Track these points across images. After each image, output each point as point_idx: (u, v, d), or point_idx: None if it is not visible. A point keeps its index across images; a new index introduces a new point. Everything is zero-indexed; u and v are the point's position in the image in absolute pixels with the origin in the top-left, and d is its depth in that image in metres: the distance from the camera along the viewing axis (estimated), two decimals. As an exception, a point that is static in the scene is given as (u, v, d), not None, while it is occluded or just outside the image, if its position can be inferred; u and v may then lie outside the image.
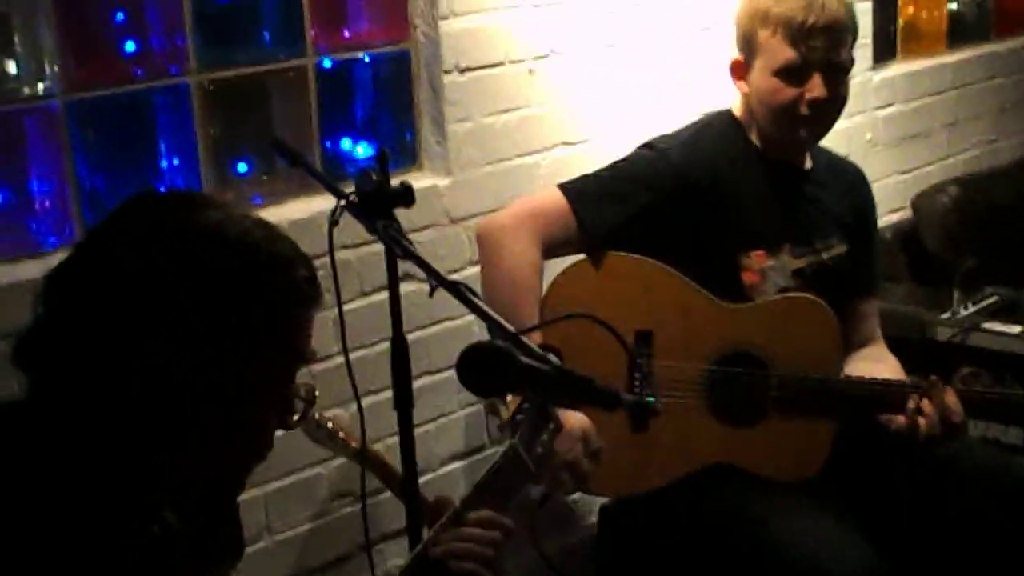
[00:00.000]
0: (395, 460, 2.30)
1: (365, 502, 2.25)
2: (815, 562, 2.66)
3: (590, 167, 3.64)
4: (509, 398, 2.36)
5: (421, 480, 2.69)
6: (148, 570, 1.50)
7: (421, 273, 2.02)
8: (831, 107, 2.94)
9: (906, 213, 4.89)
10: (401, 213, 2.06)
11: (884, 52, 4.92)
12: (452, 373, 1.76)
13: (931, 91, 5.09)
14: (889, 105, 4.90)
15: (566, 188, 2.93)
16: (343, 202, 2.03)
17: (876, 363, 3.03)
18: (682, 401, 2.81)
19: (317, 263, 1.62)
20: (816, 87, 2.87)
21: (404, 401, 2.09)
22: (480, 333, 3.41)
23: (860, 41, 4.63)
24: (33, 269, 2.82)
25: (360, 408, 2.10)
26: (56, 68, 2.97)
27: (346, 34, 3.57)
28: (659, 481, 2.84)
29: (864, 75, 4.75)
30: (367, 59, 3.58)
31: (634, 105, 3.90)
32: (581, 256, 2.90)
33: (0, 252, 2.94)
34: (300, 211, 3.25)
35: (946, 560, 2.94)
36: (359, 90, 3.64)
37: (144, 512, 1.52)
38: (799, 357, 2.84)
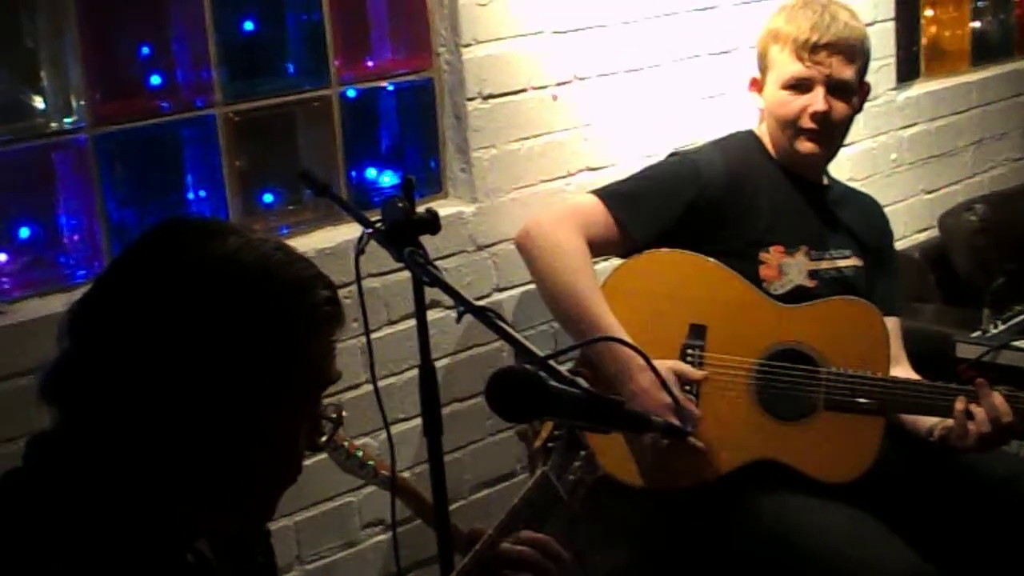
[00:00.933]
0: (425, 488, 2.30)
1: (396, 530, 2.24)
2: (865, 565, 2.66)
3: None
4: (540, 425, 2.35)
5: (451, 508, 2.68)
6: (182, 600, 1.51)
7: (448, 300, 2.02)
8: (832, 122, 3.08)
9: (933, 233, 4.87)
10: (427, 240, 2.06)
11: (908, 71, 4.91)
12: (481, 400, 1.76)
13: (956, 110, 5.07)
14: (914, 124, 4.89)
15: (602, 193, 3.09)
16: (369, 230, 2.03)
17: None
18: (732, 395, 2.86)
19: (344, 292, 1.62)
20: (817, 100, 3.03)
21: (433, 428, 2.09)
22: (509, 359, 3.41)
23: (883, 61, 4.70)
24: (62, 303, 2.83)
25: (389, 436, 2.10)
26: (83, 102, 3.00)
27: (370, 64, 3.58)
28: (709, 475, 2.86)
29: (888, 95, 4.74)
30: (391, 88, 3.60)
31: (657, 129, 3.90)
32: (642, 253, 3.03)
33: (30, 286, 2.95)
34: (327, 240, 3.26)
35: (987, 570, 2.93)
36: (384, 119, 3.66)
37: (177, 541, 1.52)
38: (849, 357, 2.90)
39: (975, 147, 5.18)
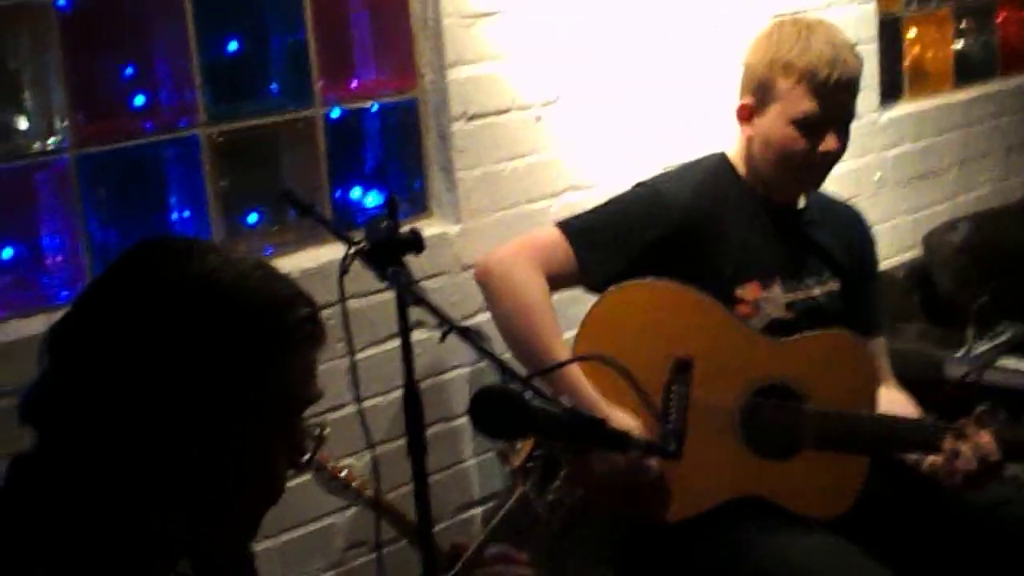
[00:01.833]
0: (410, 508, 2.29)
1: (380, 551, 2.23)
2: None
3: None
4: (519, 445, 2.35)
5: (436, 528, 2.67)
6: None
7: (433, 320, 2.02)
8: (838, 159, 2.99)
9: (917, 252, 4.88)
10: (412, 261, 2.06)
11: (891, 92, 4.93)
12: (466, 420, 1.76)
13: (939, 130, 5.09)
14: (897, 145, 4.90)
15: (565, 226, 2.97)
16: (353, 250, 2.03)
17: (891, 404, 3.02)
18: (716, 431, 2.81)
19: (328, 312, 1.61)
20: (831, 141, 2.92)
21: (418, 449, 2.08)
22: (493, 379, 3.40)
23: (867, 82, 4.69)
24: (44, 323, 2.82)
25: (374, 457, 2.09)
26: (66, 123, 2.99)
27: (354, 84, 3.58)
28: (690, 510, 2.82)
29: (871, 115, 4.76)
30: (375, 108, 3.60)
31: (641, 149, 3.91)
32: (625, 283, 2.90)
33: (13, 307, 2.94)
34: (311, 260, 3.26)
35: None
36: (368, 140, 3.66)
37: (159, 563, 1.51)
38: (836, 393, 2.85)
39: (958, 167, 5.19)
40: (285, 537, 3.26)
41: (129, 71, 3.19)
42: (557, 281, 2.92)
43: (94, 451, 1.46)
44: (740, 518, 2.84)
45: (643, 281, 2.88)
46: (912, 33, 5.13)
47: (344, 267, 2.03)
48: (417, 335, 2.23)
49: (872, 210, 4.76)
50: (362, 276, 2.14)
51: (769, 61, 2.92)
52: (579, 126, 3.80)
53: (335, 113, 3.49)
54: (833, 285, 3.05)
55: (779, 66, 2.89)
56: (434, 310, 1.98)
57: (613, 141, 3.89)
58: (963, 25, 5.42)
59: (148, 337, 1.45)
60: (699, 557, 2.87)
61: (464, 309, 3.51)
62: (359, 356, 3.23)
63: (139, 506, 1.47)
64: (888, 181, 4.87)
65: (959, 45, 5.38)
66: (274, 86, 3.46)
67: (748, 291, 2.92)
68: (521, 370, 1.90)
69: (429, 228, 3.47)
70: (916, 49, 5.19)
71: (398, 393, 2.09)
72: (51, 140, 3.00)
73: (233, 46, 3.35)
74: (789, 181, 2.99)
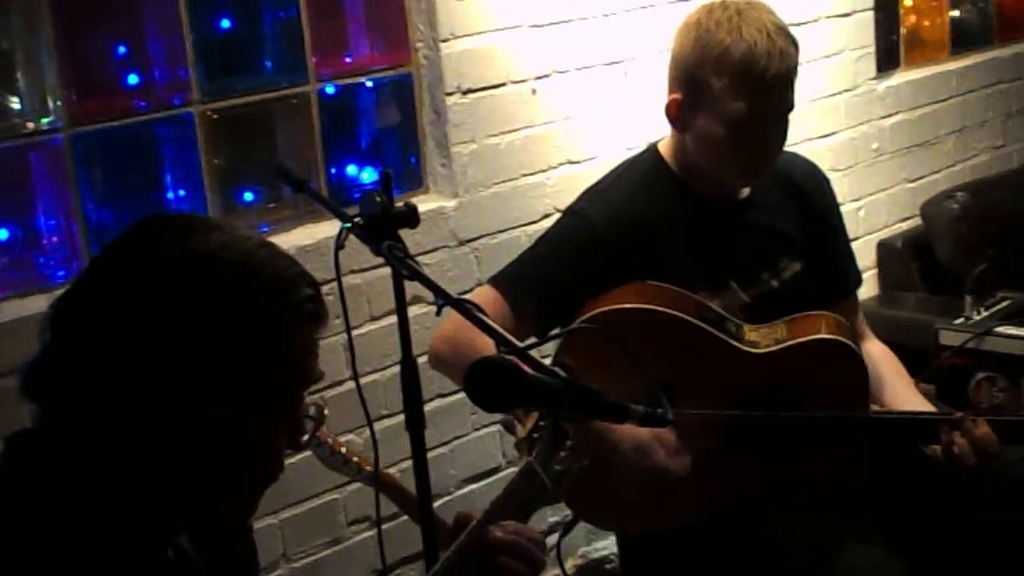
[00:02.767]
0: (410, 483, 2.29)
1: (381, 527, 2.24)
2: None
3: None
4: (525, 415, 2.33)
5: (436, 503, 2.67)
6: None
7: (430, 295, 2.01)
8: (778, 152, 2.78)
9: (915, 222, 4.88)
10: (409, 236, 2.05)
11: (887, 61, 4.91)
12: (464, 395, 1.75)
13: (936, 99, 5.08)
14: (894, 114, 4.89)
15: (495, 281, 2.75)
16: (348, 225, 2.02)
17: (878, 366, 2.96)
18: (707, 447, 2.75)
19: (325, 289, 1.61)
20: (772, 139, 2.71)
21: (416, 424, 2.08)
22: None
23: (863, 50, 4.71)
24: (42, 303, 2.79)
25: (372, 432, 2.09)
26: (59, 102, 2.99)
27: (348, 60, 3.57)
28: (684, 520, 2.78)
29: (868, 84, 4.75)
30: (369, 84, 3.59)
31: (638, 121, 3.90)
32: (592, 312, 2.69)
33: (9, 287, 2.94)
34: (307, 237, 3.25)
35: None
36: (362, 115, 3.65)
37: (158, 538, 1.52)
38: (826, 397, 2.76)
39: (956, 136, 5.18)
40: (286, 513, 3.27)
41: (122, 49, 3.18)
42: (512, 335, 2.72)
43: (95, 426, 1.46)
44: (742, 511, 2.80)
45: (611, 303, 2.68)
46: (908, 1, 5.11)
47: (340, 243, 2.02)
48: (415, 310, 2.24)
49: (870, 179, 4.77)
50: (359, 252, 2.14)
51: (700, 56, 2.65)
52: (575, 99, 3.79)
53: (329, 89, 3.48)
54: (795, 267, 2.87)
55: (710, 62, 2.62)
56: (429, 283, 1.97)
57: (609, 114, 3.88)
58: (959, -7, 5.40)
59: (151, 313, 1.45)
60: (703, 548, 2.85)
61: (461, 284, 3.51)
62: (357, 332, 3.23)
63: (137, 481, 1.47)
64: (886, 150, 4.86)
65: (955, 13, 5.36)
66: (268, 62, 3.45)
67: (703, 299, 2.75)
68: (517, 341, 1.89)
69: (425, 203, 3.46)
70: (912, 18, 5.17)
71: (396, 369, 2.09)
72: (45, 119, 2.99)
73: (226, 23, 3.34)
74: (729, 178, 2.79)
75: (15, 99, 2.98)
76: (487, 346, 2.44)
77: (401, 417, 2.10)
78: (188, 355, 1.45)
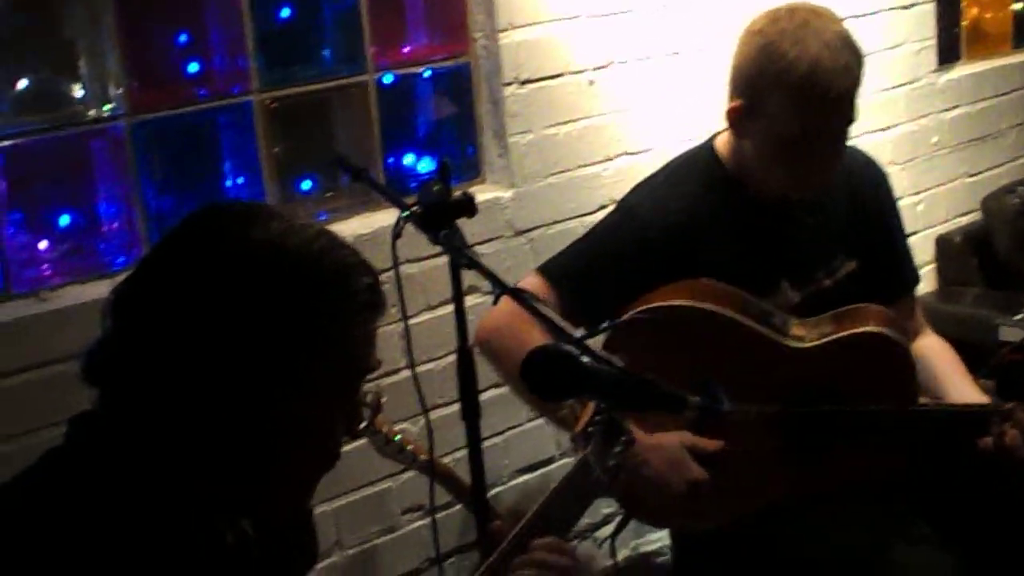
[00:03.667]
0: (464, 473, 2.30)
1: (435, 515, 2.24)
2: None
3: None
4: (579, 409, 2.33)
5: (490, 493, 2.68)
6: (223, 579, 1.51)
7: (486, 285, 2.02)
8: (839, 166, 2.71)
9: (975, 216, 4.83)
10: (466, 226, 2.06)
11: (948, 54, 4.87)
12: (520, 385, 1.75)
13: (997, 92, 5.03)
14: (955, 107, 4.85)
15: (544, 270, 2.73)
16: (406, 213, 2.03)
17: (934, 360, 2.93)
18: (753, 446, 2.72)
19: (382, 278, 1.61)
20: (829, 158, 2.64)
21: (471, 413, 2.09)
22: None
23: (924, 43, 4.67)
24: (102, 290, 2.85)
25: (428, 421, 2.10)
26: (120, 91, 3.01)
27: (406, 50, 3.58)
28: (727, 519, 2.77)
29: (929, 78, 4.71)
30: (427, 74, 3.59)
31: (695, 113, 3.88)
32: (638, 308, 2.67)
33: (69, 274, 2.97)
34: (364, 226, 3.26)
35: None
36: (420, 105, 3.65)
37: (218, 521, 1.53)
38: (871, 392, 2.73)
39: (1017, 129, 5.13)
40: (340, 501, 3.28)
41: (183, 38, 3.20)
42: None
43: (155, 410, 1.47)
44: (792, 508, 2.78)
45: (652, 307, 2.65)
46: (970, -6, 5.07)
47: (397, 231, 2.03)
48: (471, 300, 2.24)
49: (930, 173, 4.72)
50: (416, 242, 2.14)
51: (762, 67, 2.56)
52: (633, 90, 3.78)
53: (387, 79, 3.49)
54: (850, 266, 2.81)
55: (772, 75, 2.54)
56: (486, 272, 1.97)
57: (667, 104, 3.87)
58: (1022, -14, 5.34)
59: (211, 300, 1.46)
60: (756, 553, 2.83)
61: (517, 274, 3.49)
62: (413, 321, 3.24)
63: (196, 466, 1.49)
64: (946, 144, 4.81)
65: (1018, 6, 5.30)
66: (326, 52, 3.46)
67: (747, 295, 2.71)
68: (574, 331, 1.88)
69: (482, 193, 3.47)
70: (974, 11, 5.12)
71: (452, 358, 2.09)
72: (106, 108, 3.02)
73: (286, 12, 3.35)
74: (786, 189, 2.72)
75: (77, 87, 3.01)
76: (534, 338, 2.45)
77: (456, 406, 2.11)
78: (247, 342, 1.46)
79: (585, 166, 3.71)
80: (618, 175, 3.73)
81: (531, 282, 2.69)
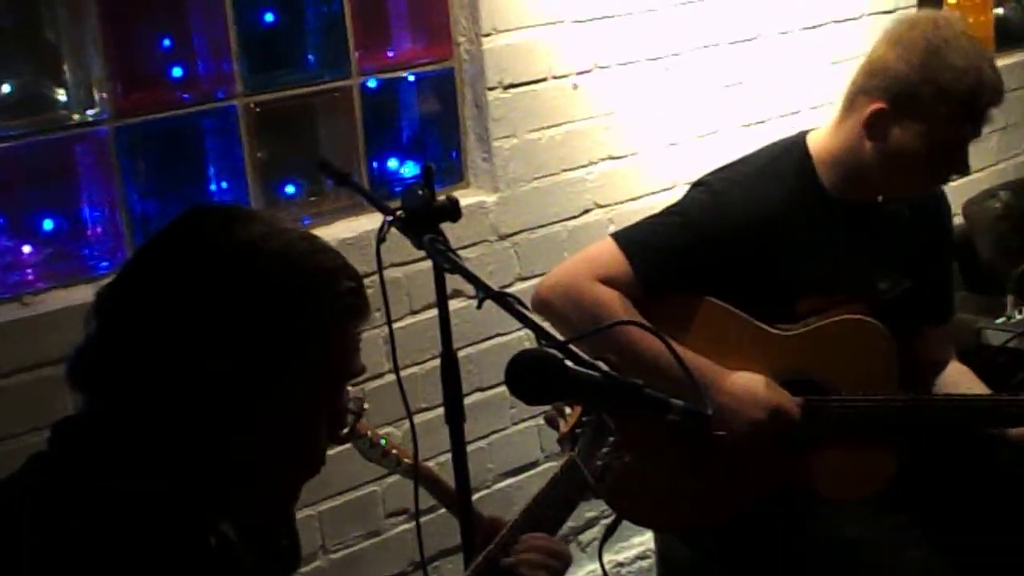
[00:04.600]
0: (449, 477, 2.30)
1: (419, 519, 2.24)
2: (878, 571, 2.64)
3: (636, 180, 3.64)
4: (568, 410, 2.33)
5: (475, 496, 2.67)
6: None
7: (470, 289, 2.01)
8: None
9: (957, 220, 4.84)
10: (449, 230, 2.06)
11: (930, 58, 4.88)
12: (504, 389, 1.76)
13: (979, 96, 5.04)
14: (937, 111, 4.85)
15: (619, 237, 2.77)
16: (390, 217, 2.03)
17: (957, 378, 2.95)
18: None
19: (366, 282, 1.62)
20: (966, 159, 2.73)
21: (455, 417, 2.09)
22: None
23: (906, 48, 4.66)
24: (86, 294, 2.84)
25: (412, 425, 2.10)
26: (104, 95, 3.01)
27: (390, 54, 3.58)
28: (722, 516, 2.77)
29: (911, 82, 4.72)
30: (411, 78, 3.60)
31: (680, 118, 3.89)
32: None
33: (53, 278, 2.97)
34: (348, 230, 3.27)
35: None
36: (404, 109, 3.66)
37: (200, 525, 1.53)
38: (857, 380, 2.75)
39: (999, 134, 5.14)
40: (325, 505, 3.29)
41: (167, 42, 3.20)
42: (623, 291, 2.71)
43: (138, 414, 1.47)
44: (779, 503, 2.79)
45: (641, 300, 2.70)
46: (952, -1, 5.09)
47: (381, 235, 2.03)
48: (455, 304, 2.24)
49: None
50: (400, 246, 2.14)
51: (924, 77, 2.61)
52: (616, 95, 3.79)
53: (371, 83, 3.49)
54: (905, 283, 2.85)
55: (935, 86, 2.60)
56: (470, 276, 1.97)
57: (651, 109, 3.87)
58: (1003, -10, 5.37)
59: (195, 302, 1.46)
60: (743, 555, 2.84)
61: (501, 278, 3.51)
62: (397, 326, 3.24)
63: (180, 469, 1.49)
64: (927, 148, 4.82)
65: (999, 11, 5.32)
66: (311, 56, 3.46)
67: (809, 305, 2.76)
68: (558, 335, 1.89)
69: (466, 198, 3.47)
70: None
71: (436, 362, 2.09)
72: (90, 111, 3.02)
73: (270, 17, 3.36)
74: (901, 192, 2.80)
75: (61, 91, 3.01)
76: (601, 293, 2.52)
77: (440, 410, 2.11)
78: (229, 345, 1.46)
79: (569, 170, 3.71)
80: (602, 179, 3.74)
81: (606, 248, 2.74)
